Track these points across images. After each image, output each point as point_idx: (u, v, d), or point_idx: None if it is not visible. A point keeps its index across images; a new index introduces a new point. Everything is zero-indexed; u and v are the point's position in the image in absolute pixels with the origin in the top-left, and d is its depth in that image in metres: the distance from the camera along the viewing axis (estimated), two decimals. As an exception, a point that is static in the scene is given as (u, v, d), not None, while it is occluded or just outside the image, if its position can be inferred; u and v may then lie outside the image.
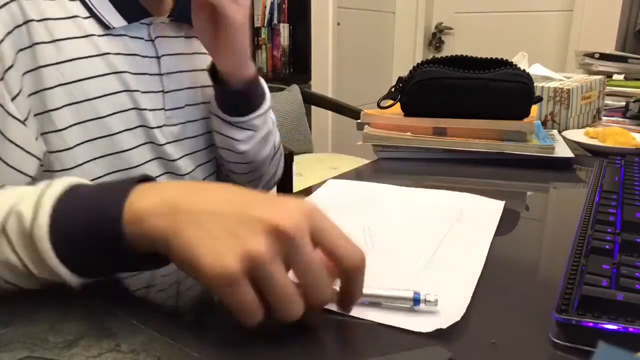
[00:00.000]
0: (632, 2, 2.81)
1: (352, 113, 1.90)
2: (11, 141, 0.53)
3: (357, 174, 0.82)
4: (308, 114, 2.50)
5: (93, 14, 0.58)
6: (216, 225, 0.34)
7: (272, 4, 2.68)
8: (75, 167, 0.59)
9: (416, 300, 0.37)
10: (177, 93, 0.67)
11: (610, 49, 2.42)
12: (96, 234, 0.37)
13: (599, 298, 0.35)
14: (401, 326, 0.36)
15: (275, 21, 2.71)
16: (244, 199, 0.37)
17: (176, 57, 0.67)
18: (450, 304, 0.38)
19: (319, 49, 2.86)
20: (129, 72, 0.61)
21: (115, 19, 0.60)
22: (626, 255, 0.41)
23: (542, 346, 0.35)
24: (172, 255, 0.35)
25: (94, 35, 0.58)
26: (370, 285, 0.38)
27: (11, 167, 0.54)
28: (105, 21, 0.59)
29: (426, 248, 0.49)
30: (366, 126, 0.91)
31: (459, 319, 0.36)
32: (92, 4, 0.58)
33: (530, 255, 0.52)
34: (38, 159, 0.56)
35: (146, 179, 0.40)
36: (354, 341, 0.35)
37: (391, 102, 0.90)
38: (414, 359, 0.33)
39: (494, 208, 0.61)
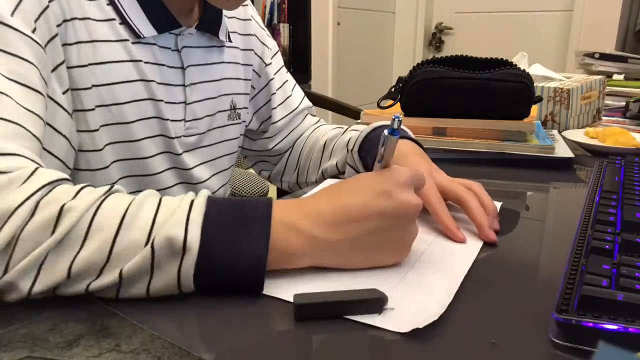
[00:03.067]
0: (632, 2, 2.81)
1: (352, 113, 1.90)
2: (59, 132, 0.54)
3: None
4: (308, 114, 2.50)
5: (125, 21, 0.58)
6: (374, 242, 0.44)
7: (272, 4, 2.68)
8: (102, 168, 0.60)
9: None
10: (198, 104, 0.68)
11: (610, 49, 2.41)
12: (236, 283, 0.40)
13: (599, 298, 0.35)
14: (380, 326, 0.36)
15: (275, 21, 2.71)
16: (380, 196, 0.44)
17: (200, 68, 0.68)
18: (432, 304, 0.39)
19: (319, 49, 2.86)
20: (156, 82, 0.61)
21: (146, 28, 0.60)
22: (626, 255, 0.41)
23: (542, 346, 0.35)
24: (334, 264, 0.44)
25: (128, 40, 0.59)
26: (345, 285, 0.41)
27: (58, 158, 0.55)
28: (136, 29, 0.59)
29: (416, 247, 0.49)
30: (366, 126, 0.91)
31: (436, 318, 0.36)
32: (125, 11, 0.58)
33: (530, 255, 0.52)
34: (76, 151, 0.57)
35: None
36: (334, 340, 0.35)
37: (391, 102, 0.90)
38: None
39: None
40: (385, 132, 0.43)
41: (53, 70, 0.53)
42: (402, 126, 0.70)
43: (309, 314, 0.37)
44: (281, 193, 1.28)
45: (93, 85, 0.56)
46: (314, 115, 0.89)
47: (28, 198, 0.38)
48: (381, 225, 0.43)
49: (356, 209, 0.43)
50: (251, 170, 1.15)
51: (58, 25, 0.53)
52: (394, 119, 0.43)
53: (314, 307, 0.37)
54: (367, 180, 0.45)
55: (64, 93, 0.54)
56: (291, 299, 0.38)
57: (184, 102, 0.66)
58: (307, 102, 0.87)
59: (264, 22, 2.68)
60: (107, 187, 0.42)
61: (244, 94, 0.77)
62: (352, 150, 0.69)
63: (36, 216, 0.37)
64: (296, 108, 0.85)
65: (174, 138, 0.65)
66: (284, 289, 0.40)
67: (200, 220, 0.39)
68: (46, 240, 0.37)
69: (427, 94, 0.86)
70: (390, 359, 0.34)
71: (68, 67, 0.54)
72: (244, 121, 0.79)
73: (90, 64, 0.56)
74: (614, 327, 0.33)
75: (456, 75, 0.84)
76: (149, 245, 0.38)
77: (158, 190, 0.64)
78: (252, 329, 0.37)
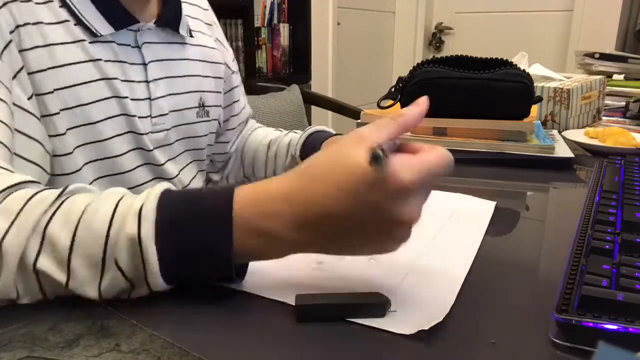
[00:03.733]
0: (632, 2, 2.81)
1: (352, 113, 1.90)
2: (33, 138, 0.54)
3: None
4: (308, 114, 2.50)
5: (80, 21, 0.58)
6: (371, 232, 0.37)
7: (272, 4, 2.68)
8: (75, 172, 0.59)
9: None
10: (163, 99, 0.67)
11: (610, 49, 2.41)
12: (206, 267, 0.38)
13: (599, 298, 0.35)
14: (384, 328, 0.36)
15: (275, 21, 2.71)
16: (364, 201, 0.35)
17: (162, 63, 0.67)
18: (434, 305, 0.38)
19: (319, 49, 2.86)
20: (119, 79, 0.61)
21: (102, 26, 0.59)
22: (626, 255, 0.41)
23: (542, 346, 0.35)
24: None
25: (85, 41, 0.58)
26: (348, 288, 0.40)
27: (35, 164, 0.54)
28: (92, 28, 0.58)
29: (413, 250, 0.49)
30: (366, 126, 0.91)
31: (441, 319, 0.36)
32: (78, 11, 0.58)
33: (530, 255, 0.52)
34: (51, 155, 0.57)
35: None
36: (338, 343, 0.35)
37: (391, 102, 0.89)
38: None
39: (484, 208, 0.61)
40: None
41: (14, 77, 0.52)
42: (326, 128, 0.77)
43: (310, 316, 0.37)
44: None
45: (55, 89, 0.55)
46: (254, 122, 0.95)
47: None
48: (364, 231, 0.37)
49: (336, 216, 0.36)
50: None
51: (11, 32, 0.52)
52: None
53: (316, 308, 0.37)
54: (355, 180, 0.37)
55: (29, 99, 0.53)
56: (292, 302, 0.38)
57: (149, 98, 0.65)
58: (249, 110, 0.93)
59: (264, 22, 2.68)
60: (58, 192, 0.40)
61: (215, 91, 0.78)
62: (295, 156, 0.75)
63: None
64: (247, 118, 0.90)
65: (142, 134, 0.64)
66: (285, 291, 0.40)
67: (152, 234, 0.36)
68: None
69: (427, 94, 0.85)
70: (391, 359, 0.34)
71: (29, 73, 0.53)
72: (215, 119, 0.79)
73: (49, 68, 0.55)
74: (614, 327, 0.33)
75: (456, 75, 0.84)
76: (113, 268, 0.37)
77: (133, 187, 0.65)
78: (253, 329, 0.37)
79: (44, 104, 0.55)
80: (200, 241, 0.37)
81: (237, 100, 0.86)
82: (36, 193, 0.39)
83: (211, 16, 0.82)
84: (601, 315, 0.34)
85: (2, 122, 0.48)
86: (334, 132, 0.78)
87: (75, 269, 0.37)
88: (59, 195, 0.39)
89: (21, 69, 0.53)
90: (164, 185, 0.40)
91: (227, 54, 0.83)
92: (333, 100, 2.14)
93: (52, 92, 0.55)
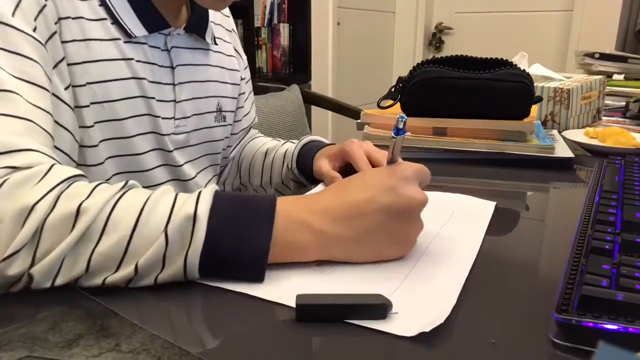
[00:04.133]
0: (632, 2, 2.81)
1: (352, 113, 1.90)
2: (65, 128, 0.55)
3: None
4: (308, 114, 2.50)
5: (117, 21, 0.60)
6: (381, 236, 0.45)
7: (272, 4, 2.68)
8: (98, 164, 0.61)
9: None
10: (186, 103, 0.69)
11: (610, 49, 2.41)
12: (238, 273, 0.42)
13: (599, 298, 0.35)
14: (385, 330, 0.36)
15: (275, 21, 2.71)
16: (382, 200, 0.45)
17: (188, 68, 0.69)
18: (435, 307, 0.38)
19: (319, 49, 2.86)
20: (147, 80, 0.63)
21: (137, 28, 0.61)
22: (626, 255, 0.41)
23: (542, 346, 0.35)
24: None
25: (119, 40, 0.60)
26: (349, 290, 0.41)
27: (65, 153, 0.56)
28: (128, 29, 0.60)
29: (415, 250, 0.49)
30: (366, 126, 0.91)
31: (442, 321, 0.36)
32: (116, 11, 0.60)
33: (530, 255, 0.52)
34: (79, 145, 0.58)
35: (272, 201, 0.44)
36: (338, 345, 0.35)
37: (391, 102, 0.90)
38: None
39: (484, 208, 0.61)
40: (392, 133, 0.47)
41: (54, 67, 0.54)
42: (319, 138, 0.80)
43: (310, 315, 0.37)
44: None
45: (87, 83, 0.57)
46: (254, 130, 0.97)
47: (47, 194, 0.39)
48: (387, 220, 0.44)
49: (363, 204, 0.45)
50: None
51: (55, 23, 0.54)
52: (399, 119, 0.46)
53: (316, 309, 0.37)
54: (374, 176, 0.48)
55: (65, 89, 0.55)
56: (292, 304, 0.37)
57: (174, 101, 0.67)
58: (254, 117, 0.94)
59: (264, 22, 2.68)
60: (122, 184, 0.43)
61: (231, 97, 0.80)
62: (291, 167, 0.78)
63: (55, 211, 0.39)
64: (250, 124, 0.91)
65: (164, 135, 0.66)
66: (285, 291, 0.40)
67: (207, 214, 0.40)
68: (66, 237, 0.38)
69: (427, 94, 0.86)
70: (390, 359, 0.34)
71: (68, 64, 0.55)
72: (231, 124, 0.82)
73: (84, 62, 0.57)
74: (614, 327, 0.33)
75: (456, 75, 0.84)
76: (163, 235, 0.39)
77: (150, 186, 0.65)
78: (253, 328, 0.37)
79: (76, 96, 0.57)
80: (245, 224, 0.42)
81: (242, 107, 0.87)
82: (97, 185, 0.42)
83: (231, 23, 0.84)
84: (601, 315, 0.34)
85: (46, 111, 0.50)
86: (327, 141, 0.80)
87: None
88: (122, 187, 0.43)
89: (62, 59, 0.55)
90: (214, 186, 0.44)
91: (240, 62, 0.85)
92: (333, 100, 2.14)
93: (84, 85, 0.57)
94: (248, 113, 0.90)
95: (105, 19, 0.59)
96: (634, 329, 0.33)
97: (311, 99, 2.47)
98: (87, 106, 0.58)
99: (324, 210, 0.45)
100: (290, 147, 0.82)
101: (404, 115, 0.46)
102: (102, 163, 0.61)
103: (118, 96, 0.60)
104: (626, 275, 0.38)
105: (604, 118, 1.25)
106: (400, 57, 3.62)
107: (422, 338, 0.35)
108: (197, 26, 0.70)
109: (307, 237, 0.43)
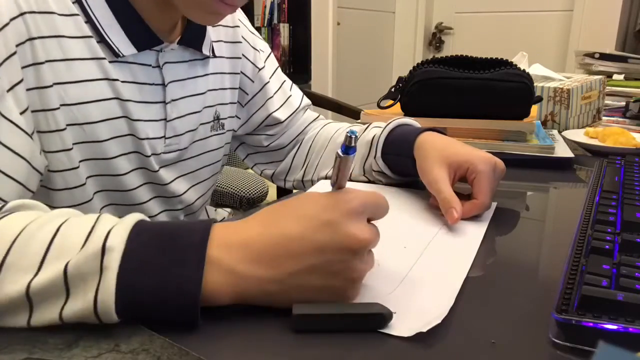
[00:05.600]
0: (632, 2, 2.81)
1: (352, 113, 1.90)
2: (17, 154, 0.51)
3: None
4: (308, 114, 2.50)
5: (103, 40, 0.57)
6: (315, 279, 0.37)
7: (272, 4, 2.68)
8: (78, 186, 0.59)
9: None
10: (179, 120, 0.66)
11: (610, 49, 2.41)
12: (169, 312, 0.36)
13: (599, 298, 0.35)
14: (383, 331, 0.36)
15: (275, 21, 2.71)
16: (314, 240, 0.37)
17: (182, 83, 0.66)
18: (433, 307, 0.38)
19: (319, 49, 2.86)
20: (133, 101, 0.60)
21: (125, 47, 0.58)
22: (626, 255, 0.41)
23: (542, 346, 0.35)
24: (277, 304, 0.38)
25: (104, 59, 0.57)
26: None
27: (17, 181, 0.51)
28: (115, 48, 0.57)
29: (414, 250, 0.49)
30: (366, 126, 0.91)
31: (440, 321, 0.36)
32: (103, 29, 0.56)
33: (530, 255, 0.52)
34: (40, 174, 0.55)
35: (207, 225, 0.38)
36: (337, 347, 0.35)
37: (391, 102, 0.90)
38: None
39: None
40: (339, 151, 0.38)
41: (9, 90, 0.50)
42: (409, 120, 0.71)
43: (308, 326, 0.36)
44: (282, 192, 1.28)
45: (62, 105, 0.54)
46: (312, 112, 0.89)
47: None
48: (320, 262, 0.37)
49: (291, 241, 0.37)
50: (250, 171, 1.15)
51: (18, 45, 0.50)
52: (347, 135, 0.37)
53: (314, 318, 0.36)
54: (312, 205, 0.39)
55: (21, 113, 0.51)
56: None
57: (164, 120, 0.64)
58: (306, 100, 0.87)
59: (264, 22, 2.68)
60: None
61: (230, 103, 0.76)
62: (375, 157, 0.68)
63: None
64: (298, 107, 0.84)
65: (149, 156, 0.63)
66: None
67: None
68: None
69: (427, 94, 0.86)
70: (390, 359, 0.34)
71: (30, 88, 0.52)
72: (231, 130, 0.78)
73: (63, 83, 0.54)
74: (614, 327, 0.33)
75: (456, 75, 0.84)
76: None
77: (134, 205, 0.64)
78: (253, 328, 0.37)
79: (46, 120, 0.54)
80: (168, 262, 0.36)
81: (271, 97, 0.81)
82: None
83: (236, 17, 0.77)
84: (601, 315, 0.34)
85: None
86: (418, 124, 0.70)
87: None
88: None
89: (19, 82, 0.51)
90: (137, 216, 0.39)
91: (256, 53, 0.79)
92: (333, 100, 2.14)
93: (57, 108, 0.54)
94: (289, 98, 0.83)
95: (91, 36, 0.56)
96: (634, 329, 0.33)
97: (311, 99, 2.46)
98: (64, 129, 0.55)
99: (243, 244, 0.37)
100: (377, 132, 0.71)
101: (355, 130, 0.38)
102: (83, 184, 0.59)
103: (98, 118, 0.57)
104: (626, 275, 0.38)
105: (604, 118, 1.25)
106: (400, 57, 3.63)
107: (422, 338, 0.35)
108: (192, 39, 0.66)
109: (216, 277, 0.36)
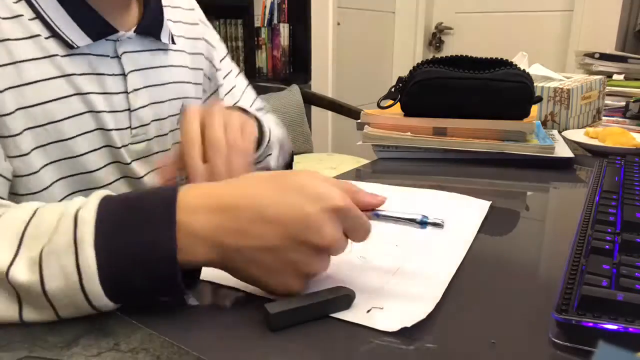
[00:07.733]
0: (632, 2, 2.81)
1: (352, 113, 1.90)
2: None
3: (356, 174, 0.82)
4: (308, 114, 2.50)
5: (55, 33, 0.55)
6: (271, 259, 0.37)
7: (272, 4, 2.68)
8: (42, 190, 0.57)
9: (423, 223, 0.41)
10: (143, 110, 0.65)
11: (610, 49, 2.41)
12: (150, 276, 0.36)
13: (599, 298, 0.35)
14: (369, 325, 0.36)
15: (275, 21, 2.71)
16: (288, 203, 0.37)
17: (144, 72, 0.65)
18: (419, 304, 0.39)
19: (319, 49, 2.86)
20: (94, 93, 0.59)
21: (79, 38, 0.57)
22: (626, 255, 0.41)
23: (542, 346, 0.35)
24: (232, 275, 0.39)
25: (57, 55, 0.56)
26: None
27: None
28: (68, 40, 0.56)
29: (405, 248, 0.49)
30: (366, 126, 0.91)
31: (424, 317, 0.36)
32: (53, 22, 0.55)
33: (530, 255, 0.52)
34: (8, 179, 0.54)
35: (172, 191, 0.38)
36: (325, 340, 0.35)
37: (391, 102, 0.89)
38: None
39: (478, 207, 0.61)
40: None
41: None
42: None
43: (284, 322, 0.37)
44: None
45: (18, 108, 0.53)
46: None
47: None
48: (282, 244, 0.37)
49: (266, 207, 0.37)
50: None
51: None
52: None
53: (289, 314, 0.37)
54: (306, 182, 0.39)
55: None
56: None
57: (128, 110, 0.63)
58: (258, 104, 0.88)
59: (264, 22, 2.68)
60: None
61: (195, 97, 0.76)
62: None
63: None
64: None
65: (120, 147, 0.63)
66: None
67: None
68: None
69: (427, 94, 0.86)
70: None
71: None
72: None
73: (16, 86, 0.53)
74: (614, 327, 0.33)
75: (456, 75, 0.84)
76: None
77: None
78: (253, 328, 0.37)
79: (4, 125, 0.53)
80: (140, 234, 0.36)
81: (222, 100, 0.82)
82: None
83: (196, 15, 0.79)
84: (601, 315, 0.34)
85: None
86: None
87: None
88: None
89: None
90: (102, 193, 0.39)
91: (214, 53, 0.80)
92: (333, 100, 2.14)
93: (13, 112, 0.53)
94: (237, 103, 0.83)
95: (39, 35, 0.54)
96: (634, 329, 0.33)
97: (311, 99, 2.47)
98: (20, 133, 0.54)
99: (213, 194, 0.39)
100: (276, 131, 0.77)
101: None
102: (48, 187, 0.58)
103: (62, 116, 0.56)
104: (626, 275, 0.38)
105: (604, 118, 1.25)
106: (400, 57, 3.62)
107: (421, 338, 0.35)
108: (149, 27, 0.65)
109: (190, 228, 0.37)
